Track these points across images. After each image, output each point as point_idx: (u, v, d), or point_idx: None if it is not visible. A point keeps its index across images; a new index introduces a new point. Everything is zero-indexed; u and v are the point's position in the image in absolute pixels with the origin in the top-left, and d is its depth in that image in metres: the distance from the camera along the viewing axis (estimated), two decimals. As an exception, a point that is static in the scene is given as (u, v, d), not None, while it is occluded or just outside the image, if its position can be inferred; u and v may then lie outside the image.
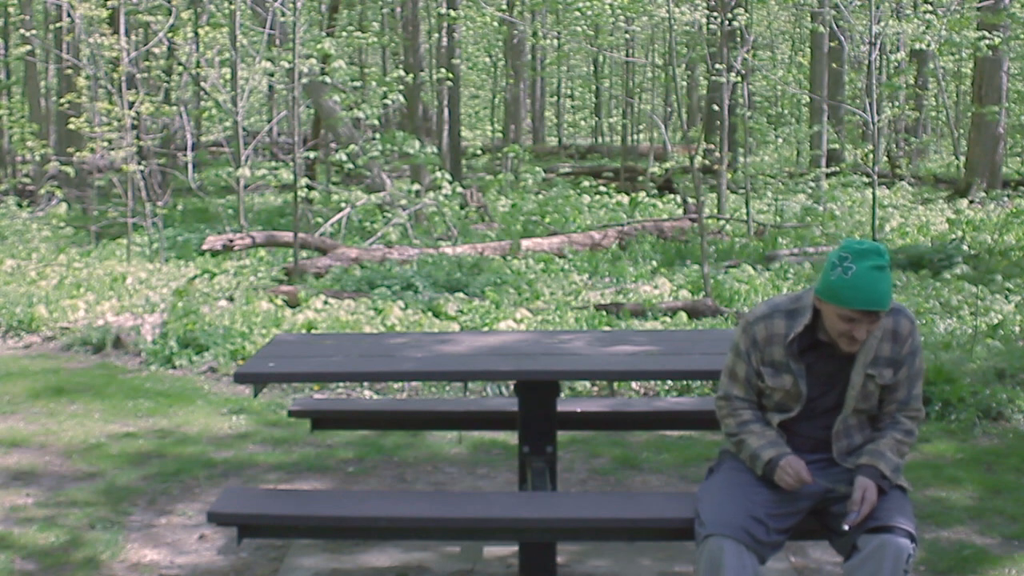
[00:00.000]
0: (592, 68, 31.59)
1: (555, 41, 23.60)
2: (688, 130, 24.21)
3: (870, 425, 3.46)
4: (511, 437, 5.13)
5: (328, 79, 14.15)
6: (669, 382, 6.93)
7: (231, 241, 11.68)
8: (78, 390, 7.31)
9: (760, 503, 3.30)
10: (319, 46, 13.34)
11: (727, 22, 13.53)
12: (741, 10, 14.63)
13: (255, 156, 17.41)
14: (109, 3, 14.44)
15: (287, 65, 12.52)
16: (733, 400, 3.49)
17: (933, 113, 27.74)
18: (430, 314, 8.96)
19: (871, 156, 12.19)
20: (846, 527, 3.24)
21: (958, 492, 5.22)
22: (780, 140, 21.64)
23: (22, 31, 18.39)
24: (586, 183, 18.49)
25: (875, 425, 3.45)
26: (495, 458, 5.84)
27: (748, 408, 3.48)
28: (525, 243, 12.30)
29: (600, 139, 33.44)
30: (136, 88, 14.92)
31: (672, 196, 18.02)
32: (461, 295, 9.62)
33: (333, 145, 16.67)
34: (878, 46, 12.82)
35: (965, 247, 11.82)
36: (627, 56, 24.47)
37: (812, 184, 16.41)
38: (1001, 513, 4.91)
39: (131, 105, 13.67)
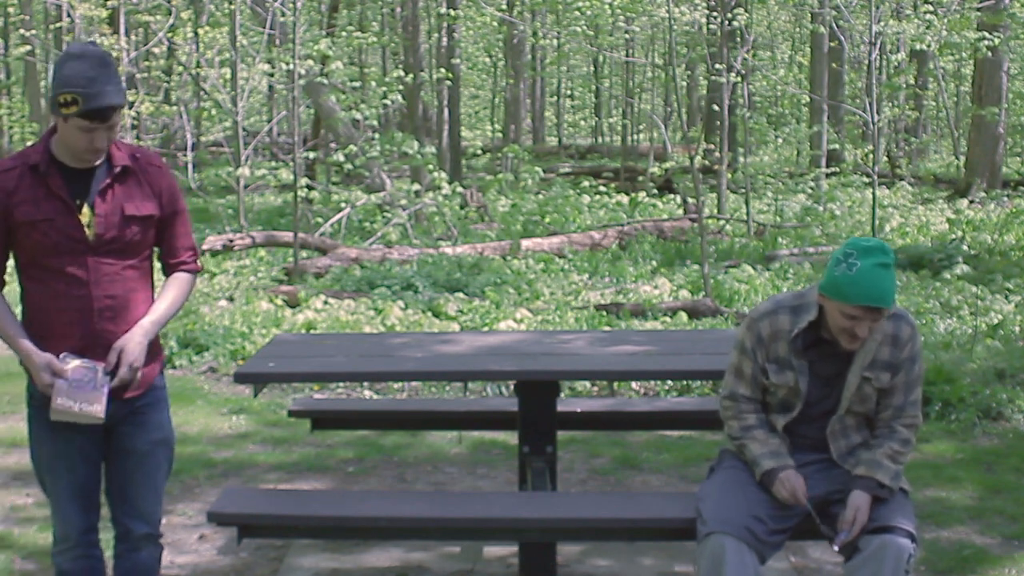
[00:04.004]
0: (592, 68, 31.60)
1: (555, 41, 23.59)
2: (688, 130, 24.20)
3: (867, 427, 3.45)
4: (511, 437, 5.13)
5: (327, 79, 14.15)
6: (669, 382, 6.93)
7: (231, 241, 11.68)
8: (78, 390, 7.29)
9: (761, 502, 3.30)
10: (317, 47, 13.34)
11: (727, 22, 13.53)
12: (741, 10, 14.63)
13: (255, 156, 17.41)
14: (109, 3, 14.45)
15: (286, 66, 12.52)
16: (739, 401, 3.47)
17: (933, 113, 27.75)
18: (430, 314, 8.96)
19: (871, 156, 12.19)
20: (836, 548, 3.25)
21: (958, 492, 5.22)
22: (780, 140, 21.62)
23: (22, 31, 18.40)
24: (586, 183, 18.49)
25: (872, 432, 3.44)
26: (495, 458, 5.84)
27: (753, 412, 3.46)
28: (525, 243, 12.30)
29: (600, 139, 33.43)
30: (136, 88, 14.92)
31: (672, 196, 18.02)
32: (461, 295, 9.62)
33: (333, 145, 16.67)
34: (878, 46, 12.82)
35: (965, 247, 11.82)
36: (627, 56, 24.47)
37: (812, 184, 16.40)
38: (1001, 513, 4.91)
39: (131, 105, 13.67)
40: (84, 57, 3.00)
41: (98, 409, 3.07)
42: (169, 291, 3.29)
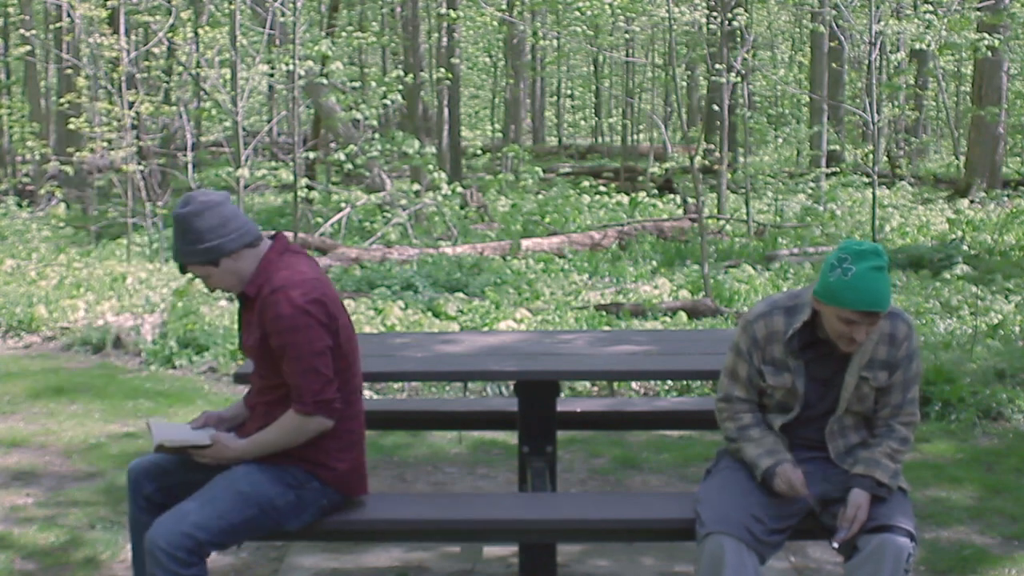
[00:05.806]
0: (592, 68, 31.57)
1: (555, 41, 23.59)
2: (688, 130, 24.19)
3: (866, 427, 3.45)
4: (511, 437, 5.13)
5: (327, 80, 14.15)
6: (669, 382, 6.93)
7: (231, 241, 11.65)
8: (78, 390, 7.31)
9: (760, 502, 3.30)
10: (317, 47, 13.34)
11: (727, 22, 13.52)
12: (741, 10, 14.62)
13: (255, 156, 17.39)
14: (109, 3, 14.44)
15: (286, 66, 12.51)
16: (734, 402, 3.47)
17: (933, 113, 27.74)
18: (430, 314, 8.96)
19: (871, 156, 12.18)
20: (835, 545, 3.24)
21: (958, 492, 5.22)
22: (780, 140, 21.63)
23: (22, 31, 18.36)
24: (586, 183, 18.48)
25: (871, 431, 3.43)
26: (495, 458, 5.84)
27: (748, 412, 3.46)
28: (525, 243, 12.30)
29: (600, 139, 33.41)
30: (136, 88, 14.91)
31: (672, 196, 18.01)
32: (461, 295, 9.62)
33: (333, 145, 16.67)
34: (878, 46, 12.81)
35: (965, 247, 11.82)
36: (627, 56, 24.46)
37: (812, 184, 16.40)
38: (1001, 513, 4.91)
39: (131, 105, 13.67)
40: (181, 210, 3.30)
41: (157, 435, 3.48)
42: (271, 425, 3.37)
